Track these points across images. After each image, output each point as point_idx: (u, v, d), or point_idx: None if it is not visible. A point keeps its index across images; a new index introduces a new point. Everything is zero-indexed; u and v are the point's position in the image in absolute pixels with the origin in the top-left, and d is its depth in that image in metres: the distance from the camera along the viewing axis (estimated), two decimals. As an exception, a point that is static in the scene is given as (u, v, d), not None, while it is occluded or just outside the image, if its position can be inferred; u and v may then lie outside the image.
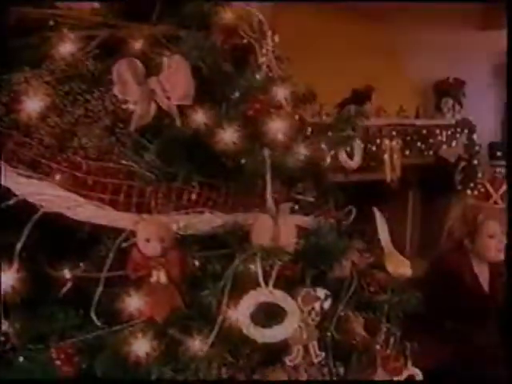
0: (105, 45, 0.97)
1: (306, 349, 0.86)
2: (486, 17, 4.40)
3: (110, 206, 0.88)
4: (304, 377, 0.86)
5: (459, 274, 1.99)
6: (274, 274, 0.85)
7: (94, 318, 0.84)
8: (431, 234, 3.90)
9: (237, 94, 0.99)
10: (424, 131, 3.86)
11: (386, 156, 3.63)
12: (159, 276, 0.83)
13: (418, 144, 3.81)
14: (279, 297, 0.85)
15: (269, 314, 0.85)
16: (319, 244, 0.93)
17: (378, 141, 3.63)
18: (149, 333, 0.79)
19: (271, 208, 0.94)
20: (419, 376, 1.02)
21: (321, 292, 0.90)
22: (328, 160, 1.13)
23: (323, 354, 0.89)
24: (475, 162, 4.20)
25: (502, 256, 2.00)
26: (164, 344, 0.80)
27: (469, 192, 4.31)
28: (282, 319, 0.85)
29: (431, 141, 3.87)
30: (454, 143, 4.01)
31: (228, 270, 0.86)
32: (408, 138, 3.78)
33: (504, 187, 4.26)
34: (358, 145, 1.16)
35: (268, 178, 0.93)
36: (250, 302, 0.85)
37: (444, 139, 3.94)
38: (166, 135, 0.89)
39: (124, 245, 0.86)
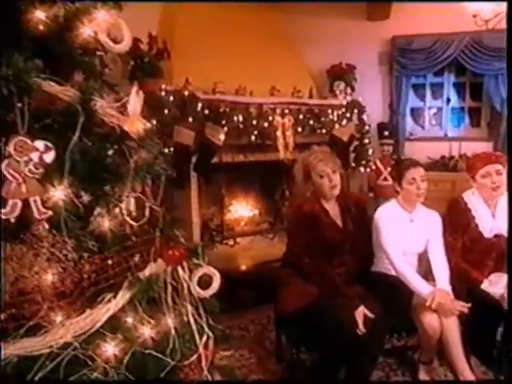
0: None
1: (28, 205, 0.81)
2: (371, 9, 4.75)
3: None
4: (45, 249, 0.83)
5: (312, 213, 2.12)
6: None
7: None
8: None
9: None
10: (316, 110, 4.04)
11: (279, 133, 3.75)
12: None
13: (311, 122, 3.98)
14: None
15: None
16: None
17: (271, 118, 3.74)
18: None
19: None
20: (216, 276, 1.03)
21: (39, 143, 0.84)
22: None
23: (50, 212, 0.84)
24: (366, 141, 4.49)
25: (337, 191, 2.16)
26: None
27: (362, 169, 4.61)
28: None
29: (323, 119, 4.06)
30: (344, 122, 4.24)
31: None
32: (301, 117, 3.93)
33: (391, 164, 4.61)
34: (126, 30, 1.13)
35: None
36: None
37: (335, 118, 4.16)
38: None
39: None
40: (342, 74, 4.55)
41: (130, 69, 3.46)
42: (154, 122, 3.41)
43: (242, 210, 4.41)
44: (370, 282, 2.19)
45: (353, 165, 4.47)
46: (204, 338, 0.95)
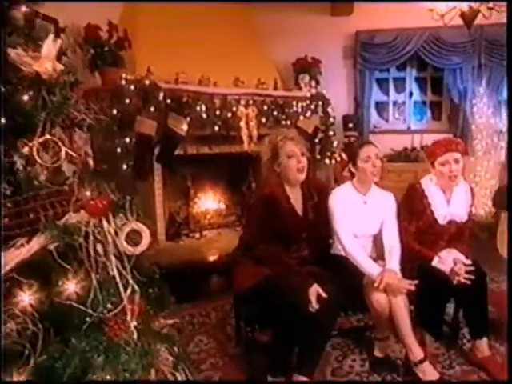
0: None
1: None
2: (335, 5, 4.85)
3: None
4: None
5: (272, 197, 2.08)
6: None
7: None
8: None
9: None
10: (281, 102, 4.08)
11: (243, 123, 3.77)
12: None
13: (275, 113, 4.01)
14: None
15: None
16: None
17: (235, 108, 3.75)
18: None
19: None
20: (146, 233, 1.01)
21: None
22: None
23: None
24: (331, 133, 4.56)
25: (303, 176, 2.13)
26: None
27: (327, 161, 4.68)
28: None
29: (287, 111, 4.10)
30: (308, 114, 4.30)
31: None
32: (265, 108, 3.97)
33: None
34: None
35: None
36: None
37: (300, 110, 4.21)
38: None
39: None
40: (307, 67, 4.62)
41: (89, 57, 3.42)
42: (115, 112, 3.41)
43: (209, 202, 4.40)
44: (327, 264, 2.22)
45: (318, 157, 4.53)
46: (128, 292, 0.94)
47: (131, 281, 0.95)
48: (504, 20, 4.10)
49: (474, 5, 3.77)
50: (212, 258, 3.77)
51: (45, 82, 0.90)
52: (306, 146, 2.18)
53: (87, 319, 0.87)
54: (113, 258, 0.93)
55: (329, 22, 4.92)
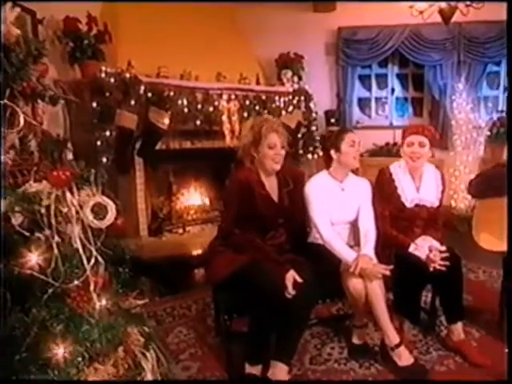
0: None
1: None
2: (317, 2, 4.89)
3: None
4: None
5: (247, 183, 2.09)
6: None
7: None
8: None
9: None
10: (263, 96, 4.09)
11: (225, 117, 3.77)
12: None
13: (257, 108, 4.02)
14: None
15: None
16: None
17: (217, 103, 3.75)
18: None
19: None
20: (111, 206, 1.00)
21: None
22: None
23: None
24: (313, 128, 4.59)
25: (278, 167, 2.14)
26: None
27: (310, 156, 4.71)
28: None
29: (269, 105, 4.11)
30: (291, 109, 4.32)
31: None
32: (247, 103, 3.97)
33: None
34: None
35: None
36: None
37: (282, 105, 4.23)
38: None
39: None
40: (290, 63, 4.65)
41: (69, 50, 3.39)
42: (95, 105, 3.37)
43: (192, 198, 4.38)
44: (305, 252, 2.23)
45: (301, 152, 4.55)
46: (91, 263, 0.93)
47: (95, 252, 0.94)
48: (482, 18, 4.26)
49: (452, 2, 3.86)
50: (195, 253, 3.75)
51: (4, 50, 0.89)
52: (288, 139, 2.20)
53: (50, 290, 0.87)
54: (76, 230, 0.92)
55: (311, 18, 4.95)
